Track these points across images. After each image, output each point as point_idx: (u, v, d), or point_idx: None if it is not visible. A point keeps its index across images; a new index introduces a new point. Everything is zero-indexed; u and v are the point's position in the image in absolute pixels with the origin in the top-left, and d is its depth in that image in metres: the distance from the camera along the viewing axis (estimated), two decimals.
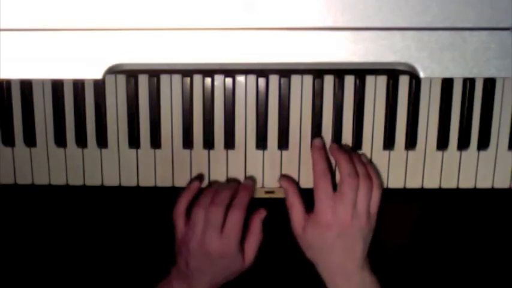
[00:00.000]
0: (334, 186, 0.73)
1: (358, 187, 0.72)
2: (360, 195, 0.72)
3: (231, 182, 0.77)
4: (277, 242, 0.79)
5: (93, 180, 0.78)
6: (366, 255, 0.74)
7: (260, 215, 0.76)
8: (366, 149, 0.77)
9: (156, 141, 0.77)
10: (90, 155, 0.77)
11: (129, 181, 0.78)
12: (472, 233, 0.85)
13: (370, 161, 0.77)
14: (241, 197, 0.74)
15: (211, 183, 0.78)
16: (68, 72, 0.66)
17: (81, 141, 0.77)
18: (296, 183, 0.77)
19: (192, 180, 0.77)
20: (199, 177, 0.77)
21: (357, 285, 0.73)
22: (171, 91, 0.75)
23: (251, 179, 0.78)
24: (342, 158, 0.73)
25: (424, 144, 0.77)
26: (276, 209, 0.76)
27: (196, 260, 0.73)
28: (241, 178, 0.78)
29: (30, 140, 0.77)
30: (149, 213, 0.83)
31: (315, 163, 0.74)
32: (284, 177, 0.77)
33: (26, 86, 0.75)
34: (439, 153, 0.77)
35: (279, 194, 0.77)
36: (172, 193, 0.76)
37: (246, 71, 0.75)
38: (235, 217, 0.73)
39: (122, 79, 0.75)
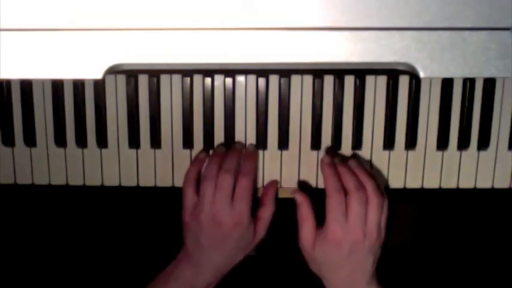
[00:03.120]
0: None
1: (368, 201, 0.69)
2: (370, 209, 0.69)
3: (236, 144, 0.76)
4: (278, 241, 0.79)
5: (93, 180, 0.78)
6: (375, 270, 0.72)
7: (273, 187, 0.75)
8: (365, 149, 0.77)
9: (156, 141, 0.77)
10: (90, 155, 0.77)
11: (129, 181, 0.78)
12: (472, 233, 0.85)
13: (371, 164, 0.77)
14: (247, 163, 0.73)
15: (215, 149, 0.76)
16: (68, 72, 0.66)
17: (81, 141, 0.77)
18: (309, 197, 0.73)
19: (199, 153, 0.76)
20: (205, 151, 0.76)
21: None
22: (171, 91, 0.75)
23: (252, 145, 0.76)
24: (344, 171, 0.71)
25: (424, 144, 0.77)
26: (276, 209, 0.76)
27: (207, 236, 0.70)
28: None
29: (30, 140, 0.77)
30: (149, 213, 0.83)
31: (326, 179, 0.71)
32: (299, 190, 0.74)
33: (26, 86, 0.75)
34: (439, 153, 0.77)
35: (280, 194, 0.77)
36: (172, 193, 0.76)
37: (246, 71, 0.75)
38: (245, 184, 0.71)
39: (122, 79, 0.75)
